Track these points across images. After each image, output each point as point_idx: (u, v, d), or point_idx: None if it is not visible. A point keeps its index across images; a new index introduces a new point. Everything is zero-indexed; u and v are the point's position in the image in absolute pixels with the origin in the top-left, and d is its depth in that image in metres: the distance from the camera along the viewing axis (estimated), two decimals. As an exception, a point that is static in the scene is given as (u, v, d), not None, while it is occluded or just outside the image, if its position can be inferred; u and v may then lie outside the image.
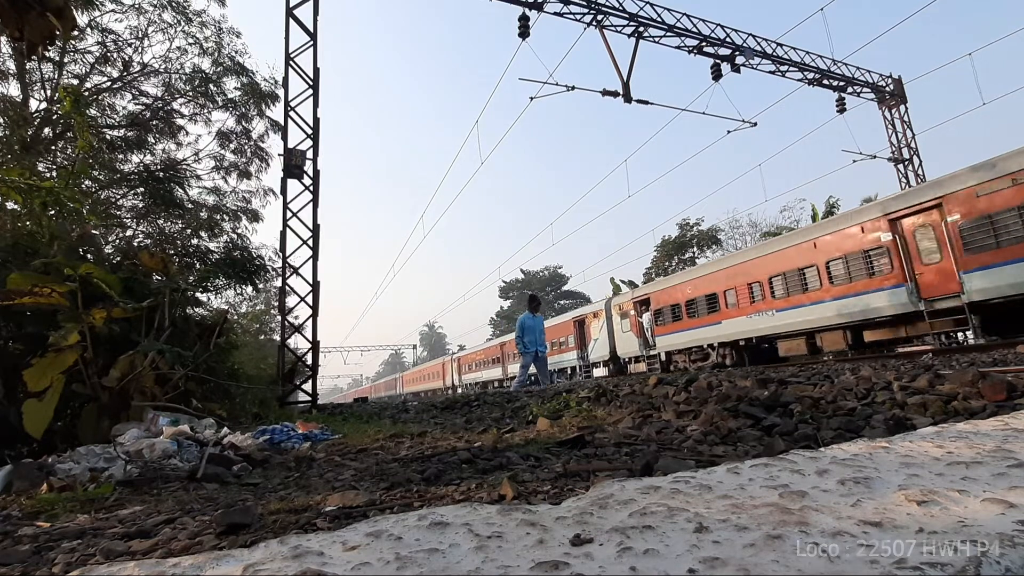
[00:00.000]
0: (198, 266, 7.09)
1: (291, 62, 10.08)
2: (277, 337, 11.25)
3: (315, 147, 10.16)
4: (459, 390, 39.63)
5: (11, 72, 10.58)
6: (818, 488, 1.15)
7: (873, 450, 1.49)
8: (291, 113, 10.11)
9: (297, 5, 10.07)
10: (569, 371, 26.89)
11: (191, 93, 13.06)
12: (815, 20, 17.50)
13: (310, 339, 10.00)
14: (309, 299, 10.03)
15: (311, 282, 10.01)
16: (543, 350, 9.55)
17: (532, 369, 10.19)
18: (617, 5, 14.28)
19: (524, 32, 13.56)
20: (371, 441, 3.72)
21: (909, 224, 11.59)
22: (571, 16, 14.14)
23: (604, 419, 3.61)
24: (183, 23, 12.43)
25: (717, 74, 15.64)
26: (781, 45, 16.66)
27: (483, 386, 35.51)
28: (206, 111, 13.47)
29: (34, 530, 1.64)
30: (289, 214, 9.97)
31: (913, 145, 18.88)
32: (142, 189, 11.33)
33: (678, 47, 15.47)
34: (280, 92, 11.22)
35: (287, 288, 9.94)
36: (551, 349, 25.67)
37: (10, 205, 5.39)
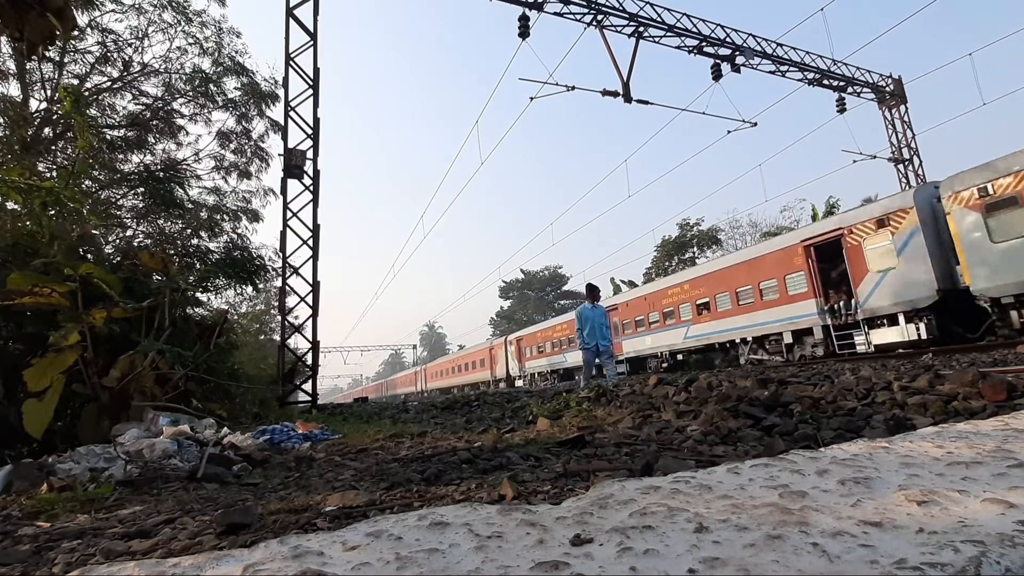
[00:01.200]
0: (198, 266, 7.10)
1: (291, 62, 10.08)
2: (277, 337, 11.26)
3: (315, 147, 10.17)
4: (519, 382, 30.77)
5: (11, 72, 10.58)
6: (818, 488, 1.15)
7: (873, 450, 1.49)
8: (291, 113, 10.11)
9: (297, 5, 10.08)
10: (786, 339, 14.74)
11: (191, 93, 13.06)
12: (815, 20, 17.52)
13: (310, 339, 10.01)
14: (309, 299, 10.03)
15: (311, 282, 10.01)
16: (605, 344, 8.62)
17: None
18: (617, 5, 14.28)
19: (524, 32, 13.56)
20: (371, 441, 3.72)
21: None
22: (571, 16, 14.14)
23: (604, 419, 3.61)
24: (183, 23, 12.44)
25: (717, 74, 15.64)
26: (781, 45, 16.66)
27: (562, 376, 25.99)
28: (206, 111, 13.48)
29: (34, 530, 1.64)
30: (289, 214, 9.98)
31: (913, 145, 18.89)
32: (142, 189, 11.34)
33: (678, 47, 15.47)
34: (280, 92, 11.23)
35: (287, 288, 9.94)
36: (733, 305, 16.60)
37: (10, 205, 5.39)
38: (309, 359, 10.20)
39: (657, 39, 15.10)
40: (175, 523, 1.60)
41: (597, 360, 8.75)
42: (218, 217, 13.60)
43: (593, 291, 8.87)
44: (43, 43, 2.35)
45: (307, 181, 10.16)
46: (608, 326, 8.71)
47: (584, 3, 13.94)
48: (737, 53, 15.71)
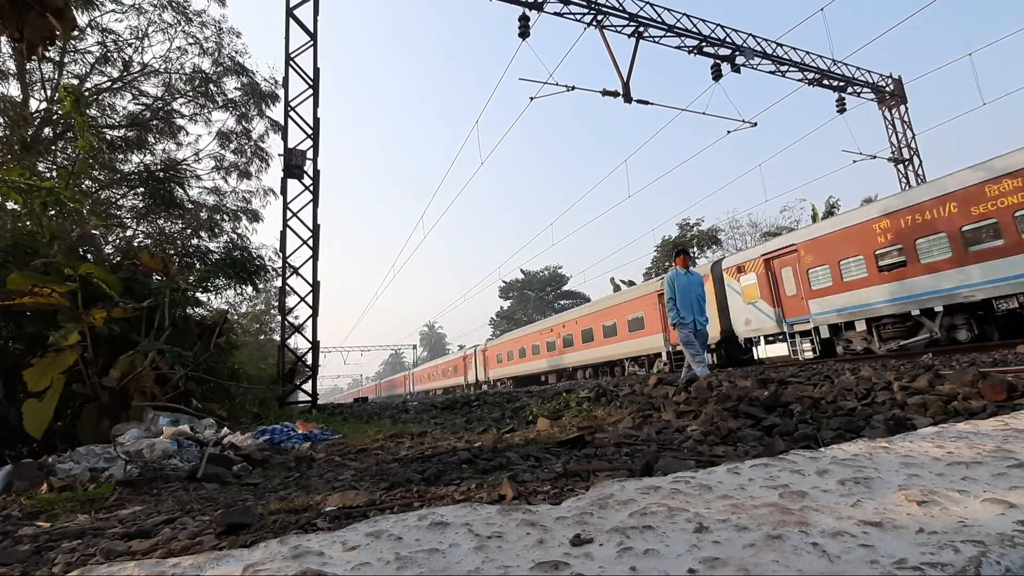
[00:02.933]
0: (198, 266, 7.09)
1: (291, 62, 10.08)
2: (277, 337, 11.26)
3: (315, 147, 10.17)
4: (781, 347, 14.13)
5: (11, 72, 10.58)
6: (818, 488, 1.15)
7: (873, 450, 1.48)
8: (291, 113, 10.11)
9: (297, 5, 10.08)
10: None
11: (191, 93, 13.06)
12: (815, 20, 17.52)
13: (310, 339, 10.00)
14: (309, 299, 10.03)
15: (311, 282, 10.01)
16: (703, 322, 6.63)
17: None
18: (617, 5, 14.28)
19: (524, 32, 13.56)
20: (371, 441, 3.72)
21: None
22: (571, 16, 14.14)
23: (604, 419, 3.61)
24: (183, 23, 12.44)
25: (717, 74, 15.63)
26: (781, 45, 16.66)
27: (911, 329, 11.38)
28: (206, 111, 13.48)
29: (34, 530, 1.64)
30: (289, 214, 9.98)
31: (913, 145, 18.88)
32: (142, 189, 11.33)
33: (678, 47, 15.47)
34: (280, 92, 11.24)
35: (287, 288, 9.94)
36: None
37: (10, 205, 5.39)
38: (309, 359, 10.20)
39: (657, 39, 15.10)
40: (175, 523, 1.60)
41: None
42: (218, 217, 13.59)
43: (683, 251, 6.87)
44: (43, 43, 2.35)
45: (307, 181, 10.16)
46: (705, 298, 6.80)
47: (584, 3, 13.93)
48: (737, 53, 15.71)
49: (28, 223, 5.05)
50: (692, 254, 37.37)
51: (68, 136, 10.85)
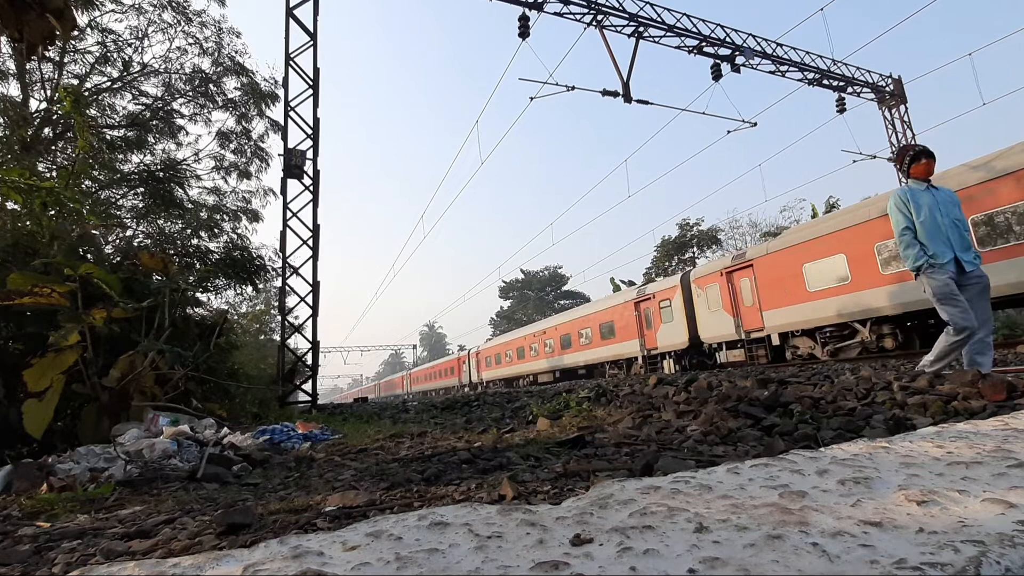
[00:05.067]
0: (198, 266, 7.09)
1: (291, 62, 10.09)
2: (277, 337, 11.26)
3: (315, 147, 10.17)
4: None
5: (11, 72, 10.58)
6: (818, 488, 1.15)
7: (873, 450, 1.48)
8: (291, 113, 10.12)
9: (297, 5, 10.08)
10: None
11: (191, 93, 13.07)
12: (815, 20, 17.53)
13: (310, 339, 10.01)
14: (309, 299, 10.04)
15: (311, 282, 10.01)
16: (972, 261, 4.00)
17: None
18: (617, 5, 14.28)
19: (524, 32, 13.56)
20: (371, 441, 3.72)
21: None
22: (571, 16, 14.14)
23: (604, 419, 3.61)
24: (183, 23, 12.45)
25: (717, 74, 15.63)
26: (781, 45, 16.66)
27: None
28: (206, 111, 13.48)
29: (34, 530, 1.64)
30: (289, 214, 9.98)
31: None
32: (142, 189, 11.35)
33: (678, 47, 15.47)
34: (280, 92, 11.24)
35: (287, 288, 9.95)
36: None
37: (10, 205, 5.39)
38: (309, 359, 10.21)
39: (657, 39, 15.10)
40: (175, 523, 1.60)
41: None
42: (218, 217, 13.59)
43: (926, 155, 4.17)
44: (43, 43, 2.35)
45: (307, 181, 10.16)
46: (967, 225, 4.12)
47: (584, 3, 13.93)
48: (737, 53, 15.71)
49: (28, 223, 5.05)
50: (694, 254, 37.31)
51: (68, 136, 10.85)
